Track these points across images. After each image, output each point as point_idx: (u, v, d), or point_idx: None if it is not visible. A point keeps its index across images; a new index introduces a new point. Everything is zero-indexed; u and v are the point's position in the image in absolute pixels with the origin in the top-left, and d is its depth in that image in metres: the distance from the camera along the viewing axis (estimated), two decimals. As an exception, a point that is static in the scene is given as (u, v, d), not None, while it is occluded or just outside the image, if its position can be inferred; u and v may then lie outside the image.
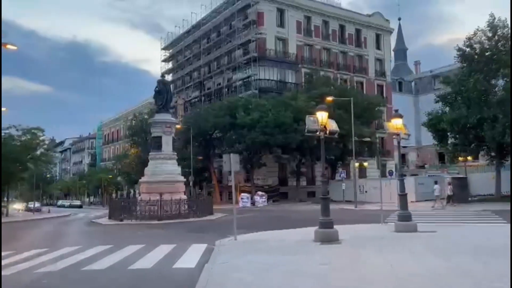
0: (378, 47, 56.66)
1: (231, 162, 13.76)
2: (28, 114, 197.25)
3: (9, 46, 16.55)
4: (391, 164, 55.21)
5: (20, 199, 70.46)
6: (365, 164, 46.95)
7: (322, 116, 12.72)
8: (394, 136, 14.68)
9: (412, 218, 14.17)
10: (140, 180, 28.26)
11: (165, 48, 63.87)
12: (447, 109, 30.80)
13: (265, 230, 15.72)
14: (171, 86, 63.74)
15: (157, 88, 28.03)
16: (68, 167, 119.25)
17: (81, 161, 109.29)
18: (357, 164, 45.72)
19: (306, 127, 12.76)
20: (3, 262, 9.83)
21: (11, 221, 30.31)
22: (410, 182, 35.63)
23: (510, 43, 27.18)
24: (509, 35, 27.40)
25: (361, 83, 53.56)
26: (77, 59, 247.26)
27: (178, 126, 45.10)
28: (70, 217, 36.32)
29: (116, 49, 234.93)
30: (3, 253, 11.46)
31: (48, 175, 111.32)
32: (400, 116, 14.72)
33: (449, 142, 31.28)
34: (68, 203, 75.98)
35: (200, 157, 44.74)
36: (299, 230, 15.72)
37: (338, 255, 9.53)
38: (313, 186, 47.43)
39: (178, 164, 28.28)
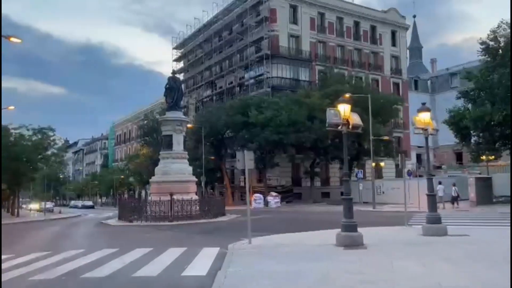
0: (393, 44, 55.18)
1: (245, 160, 12.78)
2: (42, 115, 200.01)
3: (13, 39, 15.82)
4: (408, 164, 53.70)
5: (35, 199, 70.61)
6: (382, 164, 45.57)
7: (344, 108, 11.67)
8: (421, 132, 13.52)
9: (441, 221, 13.02)
10: (150, 180, 27.49)
11: (176, 48, 63.30)
12: (470, 105, 29.37)
13: (280, 233, 14.71)
14: (183, 85, 63.52)
15: (167, 85, 27.20)
16: (80, 168, 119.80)
17: (94, 162, 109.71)
18: (373, 164, 44.53)
19: (327, 120, 11.71)
20: (-2, 268, 9.01)
21: (20, 222, 29.82)
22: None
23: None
24: None
25: (377, 81, 52.16)
26: (91, 61, 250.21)
27: (189, 126, 44.47)
28: (80, 218, 35.81)
29: (130, 51, 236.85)
30: (2, 257, 10.72)
31: (61, 176, 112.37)
32: (428, 110, 13.58)
33: (472, 140, 29.83)
34: (81, 204, 76.03)
35: (212, 157, 43.89)
36: (317, 233, 14.66)
37: (367, 263, 8.45)
38: (328, 186, 46.23)
39: (190, 164, 27.46)
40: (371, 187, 33.33)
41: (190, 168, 26.96)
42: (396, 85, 54.92)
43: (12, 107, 28.66)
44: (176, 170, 25.75)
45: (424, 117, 13.39)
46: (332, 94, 37.57)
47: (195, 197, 25.75)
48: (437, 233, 12.50)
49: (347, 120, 11.71)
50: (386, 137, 38.36)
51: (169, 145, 26.39)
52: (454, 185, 26.95)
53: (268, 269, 7.98)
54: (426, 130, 13.42)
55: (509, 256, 8.71)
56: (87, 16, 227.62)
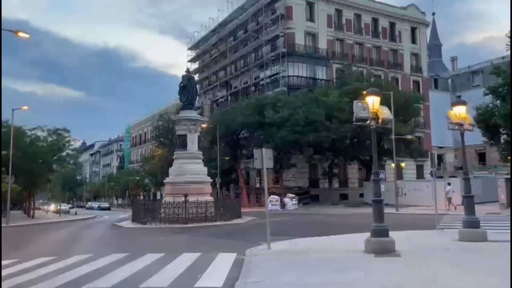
0: (413, 41, 53.50)
1: (263, 158, 11.83)
2: (61, 118, 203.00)
3: (21, 34, 15.23)
4: (429, 165, 51.86)
5: (53, 200, 70.99)
6: (402, 164, 44.09)
7: (373, 101, 10.61)
8: (456, 127, 12.35)
9: (480, 225, 11.83)
10: (164, 180, 26.77)
11: (191, 48, 62.81)
12: (498, 102, 27.81)
13: (301, 237, 13.71)
14: (198, 86, 62.96)
15: (181, 84, 26.46)
16: (96, 170, 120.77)
17: (110, 164, 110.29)
18: (392, 165, 43.03)
19: (354, 114, 10.66)
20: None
21: (35, 223, 29.44)
22: (456, 184, 32.76)
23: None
24: None
25: (396, 79, 50.59)
26: (108, 65, 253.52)
27: (204, 126, 43.76)
28: (94, 220, 35.40)
29: (145, 54, 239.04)
30: (5, 263, 10.02)
31: (78, 177, 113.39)
32: (464, 103, 12.40)
33: (501, 139, 28.27)
34: (97, 205, 76.21)
35: (227, 158, 43.06)
36: (341, 237, 13.61)
37: (405, 275, 7.37)
38: (346, 188, 44.92)
39: (205, 165, 26.66)
40: (393, 189, 32.00)
41: (205, 169, 26.13)
42: (416, 83, 53.22)
43: (26, 107, 28.37)
44: (190, 171, 24.95)
45: (460, 111, 12.23)
46: (351, 92, 36.38)
47: (210, 198, 24.89)
48: (476, 238, 11.34)
49: (376, 114, 10.66)
50: (409, 136, 36.88)
51: (183, 145, 25.62)
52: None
53: (292, 281, 7.00)
54: (461, 125, 12.26)
55: None
56: (104, 20, 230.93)
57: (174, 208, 22.82)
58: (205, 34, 57.64)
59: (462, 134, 12.50)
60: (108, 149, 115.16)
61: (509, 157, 28.48)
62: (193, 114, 26.33)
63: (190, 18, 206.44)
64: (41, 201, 75.45)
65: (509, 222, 16.31)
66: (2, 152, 28.61)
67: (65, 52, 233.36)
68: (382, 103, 32.81)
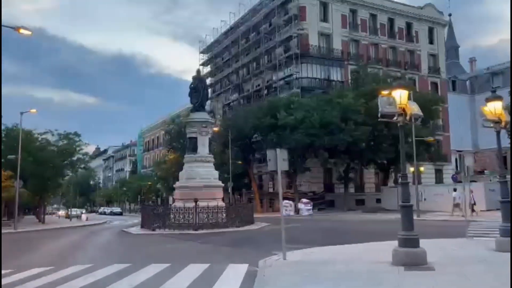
0: (431, 42, 51.98)
1: (277, 159, 10.81)
2: (77, 124, 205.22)
3: (22, 31, 14.54)
4: (448, 169, 50.20)
5: (67, 205, 70.81)
6: (421, 168, 42.49)
7: (400, 95, 9.52)
8: (491, 125, 11.15)
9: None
10: (174, 185, 25.92)
11: (203, 52, 62.20)
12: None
13: (319, 246, 12.62)
14: (209, 90, 62.25)
15: (192, 85, 25.67)
16: (109, 175, 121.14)
17: (123, 169, 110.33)
18: (412, 169, 41.46)
19: (379, 109, 9.59)
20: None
21: (42, 229, 28.85)
22: (479, 189, 31.21)
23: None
24: None
25: (413, 81, 49.05)
26: (123, 71, 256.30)
27: (215, 129, 42.90)
28: (104, 225, 34.73)
29: (160, 60, 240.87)
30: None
31: (91, 182, 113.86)
32: (500, 98, 11.20)
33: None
34: (109, 210, 75.94)
35: (240, 162, 42.07)
36: (363, 246, 12.46)
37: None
38: (362, 193, 43.52)
39: (216, 169, 25.75)
40: (414, 194, 30.63)
41: (216, 173, 25.20)
42: (434, 84, 51.61)
43: (34, 110, 27.91)
44: (201, 175, 24.06)
45: (496, 107, 11.03)
46: (367, 93, 35.17)
47: (221, 203, 23.92)
48: (516, 248, 10.08)
49: (404, 109, 9.56)
50: (431, 138, 35.45)
51: (194, 148, 24.77)
52: (471, 191, 25.29)
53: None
54: (498, 123, 11.05)
55: None
56: (120, 28, 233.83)
57: (183, 214, 21.92)
58: (217, 37, 57.03)
59: (498, 133, 11.28)
60: (121, 154, 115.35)
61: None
62: (203, 116, 25.50)
63: (204, 24, 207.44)
64: (55, 206, 75.74)
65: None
66: (10, 156, 28.22)
67: (81, 59, 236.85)
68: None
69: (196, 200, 22.02)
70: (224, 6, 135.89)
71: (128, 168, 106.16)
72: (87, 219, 47.51)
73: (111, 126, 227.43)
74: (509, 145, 30.01)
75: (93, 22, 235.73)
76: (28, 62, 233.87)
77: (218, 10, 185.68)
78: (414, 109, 9.96)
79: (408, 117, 9.66)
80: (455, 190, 26.90)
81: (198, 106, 25.38)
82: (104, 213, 73.32)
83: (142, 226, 24.07)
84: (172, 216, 22.35)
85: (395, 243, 9.14)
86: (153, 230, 22.12)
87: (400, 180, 9.60)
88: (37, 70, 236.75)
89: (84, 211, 69.89)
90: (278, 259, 10.17)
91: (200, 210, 21.93)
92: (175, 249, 14.00)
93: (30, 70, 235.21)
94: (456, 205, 25.48)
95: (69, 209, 45.05)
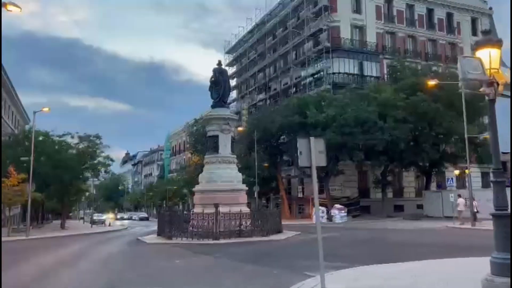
0: (474, 33, 47.66)
1: (312, 151, 8.09)
2: (109, 131, 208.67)
3: (9, 7, 12.48)
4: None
5: (97, 210, 70.02)
6: (467, 171, 38.46)
7: (490, 55, 6.60)
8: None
9: None
10: (193, 189, 23.54)
11: (228, 52, 60.07)
12: None
13: (365, 263, 9.81)
14: (235, 91, 60.02)
15: (212, 78, 23.24)
16: (136, 179, 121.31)
17: (151, 173, 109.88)
18: (456, 172, 37.53)
19: (460, 76, 6.73)
20: None
21: (56, 236, 27.10)
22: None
23: (510, 43, 21.74)
24: None
25: (455, 76, 44.93)
26: (154, 78, 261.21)
27: (239, 129, 40.39)
28: (122, 232, 32.87)
29: (189, 67, 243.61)
30: None
31: (120, 188, 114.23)
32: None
33: None
34: (135, 216, 74.89)
35: (266, 164, 39.37)
36: (428, 266, 9.48)
37: None
38: (401, 198, 39.87)
39: (241, 173, 23.19)
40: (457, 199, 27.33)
41: (239, 175, 22.62)
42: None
43: (46, 109, 26.31)
44: (223, 177, 21.52)
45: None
46: (407, 88, 31.87)
47: (245, 209, 21.24)
48: None
49: (494, 76, 6.62)
50: (485, 135, 31.49)
51: (214, 148, 22.28)
52: (474, 200, 24.49)
53: None
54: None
55: None
56: (151, 36, 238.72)
57: (203, 221, 19.44)
58: (243, 35, 54.76)
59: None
60: (149, 159, 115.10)
61: None
62: (225, 112, 23.07)
63: (233, 31, 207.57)
64: (88, 211, 75.31)
65: None
66: (23, 157, 26.69)
67: (114, 67, 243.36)
68: (443, 100, 28.03)
69: (216, 206, 19.51)
70: (252, 13, 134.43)
71: (156, 172, 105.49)
72: (109, 225, 46.12)
73: (142, 132, 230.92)
74: None
75: (125, 32, 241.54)
76: (64, 71, 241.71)
77: (246, 16, 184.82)
78: (507, 76, 7.00)
79: (500, 88, 6.70)
80: (459, 196, 25.93)
81: (219, 101, 22.91)
82: (130, 218, 72.27)
83: (158, 234, 21.81)
84: (191, 223, 19.92)
85: (471, 262, 6.25)
86: (170, 238, 19.77)
87: (492, 177, 6.60)
88: (72, 79, 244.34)
89: (110, 216, 68.95)
90: (315, 286, 7.45)
91: (221, 216, 19.41)
92: (183, 268, 11.42)
93: (66, 79, 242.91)
94: (459, 213, 24.63)
95: (91, 215, 43.52)
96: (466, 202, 24.88)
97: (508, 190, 7.53)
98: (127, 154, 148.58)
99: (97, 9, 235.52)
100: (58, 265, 12.01)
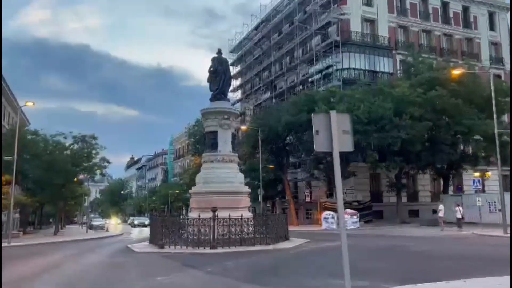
0: (492, 28, 45.18)
1: (333, 131, 5.74)
2: (118, 136, 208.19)
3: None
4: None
5: (101, 215, 67.92)
6: (488, 174, 35.88)
7: None
8: None
9: None
10: (190, 191, 21.21)
11: (233, 51, 57.88)
12: None
13: (399, 282, 7.43)
14: (240, 91, 57.74)
15: (211, 68, 20.97)
16: (140, 184, 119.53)
17: (155, 178, 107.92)
18: (476, 174, 34.85)
19: None
20: None
21: (43, 242, 24.80)
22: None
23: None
24: None
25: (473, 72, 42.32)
26: (162, 84, 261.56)
27: (243, 128, 38.07)
28: (117, 238, 30.59)
29: (197, 73, 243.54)
30: None
31: (123, 192, 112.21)
32: None
33: None
34: (137, 221, 72.61)
35: (271, 166, 36.97)
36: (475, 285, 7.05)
37: None
38: (416, 203, 37.28)
39: (245, 175, 20.86)
40: (474, 203, 25.26)
41: (241, 176, 20.27)
42: (497, 77, 44.52)
43: (31, 103, 24.13)
44: (222, 178, 19.20)
45: None
46: (424, 82, 29.38)
47: (247, 213, 18.83)
48: None
49: None
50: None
51: (213, 145, 19.97)
52: (458, 205, 25.36)
53: None
54: None
55: None
56: (159, 43, 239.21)
57: (197, 227, 17.08)
58: (247, 32, 52.58)
59: None
60: (153, 163, 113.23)
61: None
62: (225, 105, 20.77)
63: (241, 37, 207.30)
64: (92, 215, 73.21)
65: None
66: (7, 157, 24.52)
67: (123, 73, 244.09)
68: (463, 96, 25.72)
69: (214, 210, 17.14)
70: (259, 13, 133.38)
71: (160, 177, 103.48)
72: (107, 230, 44.03)
73: (150, 137, 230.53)
74: None
75: (134, 38, 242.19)
76: (74, 78, 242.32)
77: (254, 22, 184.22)
78: None
79: None
80: (458, 205, 25.83)
81: (218, 93, 20.61)
82: (133, 223, 70.08)
83: (150, 241, 19.47)
84: (190, 229, 17.55)
85: None
86: (162, 247, 17.40)
87: None
88: (82, 85, 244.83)
89: (109, 221, 66.54)
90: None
91: (219, 222, 17.04)
92: (166, 285, 9.04)
93: (76, 85, 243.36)
94: (439, 218, 25.00)
95: (87, 220, 41.32)
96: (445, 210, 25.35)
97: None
98: (132, 158, 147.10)
99: (107, 16, 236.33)
100: (32, 276, 9.73)
